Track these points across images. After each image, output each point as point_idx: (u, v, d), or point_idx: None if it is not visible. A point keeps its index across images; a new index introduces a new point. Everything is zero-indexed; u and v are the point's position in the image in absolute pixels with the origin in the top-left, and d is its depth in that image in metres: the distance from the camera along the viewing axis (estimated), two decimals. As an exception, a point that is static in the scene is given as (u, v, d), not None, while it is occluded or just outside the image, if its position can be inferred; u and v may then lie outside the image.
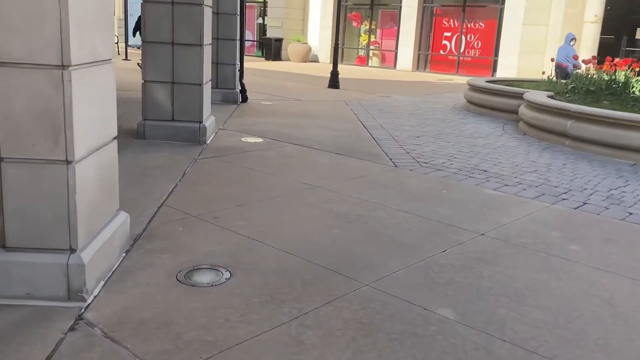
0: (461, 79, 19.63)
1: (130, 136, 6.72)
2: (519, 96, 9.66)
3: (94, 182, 2.97)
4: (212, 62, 10.48)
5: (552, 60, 12.47)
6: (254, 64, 21.21)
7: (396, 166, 6.04)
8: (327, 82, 15.13)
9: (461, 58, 21.15)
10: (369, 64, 23.77)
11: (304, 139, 7.29)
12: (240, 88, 10.85)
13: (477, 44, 20.76)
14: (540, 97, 8.52)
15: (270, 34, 25.13)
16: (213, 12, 10.26)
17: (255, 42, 27.02)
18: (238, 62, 10.77)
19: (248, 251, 3.53)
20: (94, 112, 2.93)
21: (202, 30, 6.40)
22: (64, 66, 2.59)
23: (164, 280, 3.10)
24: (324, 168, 5.78)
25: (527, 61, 19.07)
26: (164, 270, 3.21)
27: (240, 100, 10.80)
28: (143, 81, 6.55)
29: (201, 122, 6.64)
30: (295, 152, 6.48)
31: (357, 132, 8.16)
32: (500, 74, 19.58)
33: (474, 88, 11.07)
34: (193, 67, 6.49)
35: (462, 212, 4.54)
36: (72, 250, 2.78)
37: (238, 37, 10.63)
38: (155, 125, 6.58)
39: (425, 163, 6.24)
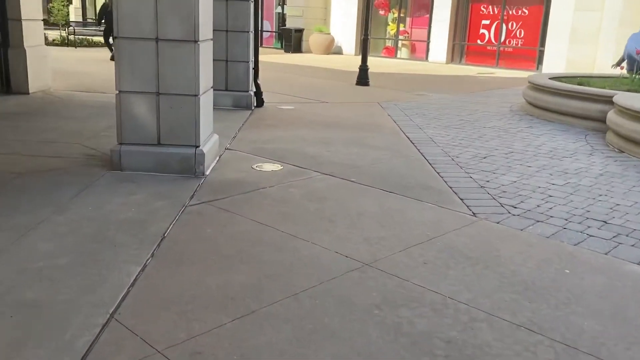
0: (503, 72, 17.61)
1: (103, 166, 4.96)
2: (603, 99, 7.70)
3: None
4: (221, 60, 8.71)
5: (639, 53, 10.39)
6: (273, 57, 19.41)
7: (475, 215, 4.17)
8: (354, 78, 13.27)
9: (502, 48, 19.03)
10: (398, 56, 21.77)
11: (336, 163, 5.47)
12: (254, 90, 9.05)
13: (520, 32, 18.63)
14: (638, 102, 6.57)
15: (290, 24, 23.24)
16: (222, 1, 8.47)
17: (274, 33, 25.18)
18: (252, 59, 8.97)
19: None
20: None
21: (196, 20, 4.60)
22: None
23: None
24: (371, 221, 3.94)
25: (578, 52, 16.94)
26: None
27: (255, 104, 9.00)
28: (117, 92, 4.78)
29: (197, 146, 4.85)
30: (326, 190, 4.66)
31: (403, 150, 6.30)
32: (547, 66, 17.48)
33: (538, 88, 9.10)
34: (185, 71, 4.69)
35: (616, 326, 2.68)
36: None
37: (252, 29, 8.82)
38: (135, 151, 4.81)
39: (514, 207, 4.36)
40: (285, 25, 23.50)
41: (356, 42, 22.42)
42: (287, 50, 22.72)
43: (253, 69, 9.11)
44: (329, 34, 22.53)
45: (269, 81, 11.59)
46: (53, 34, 19.81)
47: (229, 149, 5.95)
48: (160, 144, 4.84)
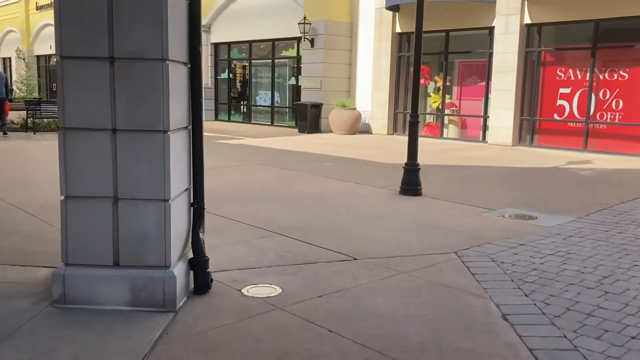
0: (602, 159, 12.41)
1: None
2: None
3: None
4: (102, 197, 3.72)
5: None
6: (282, 141, 14.69)
7: None
8: (394, 176, 8.48)
9: (591, 125, 13.95)
10: (444, 135, 16.85)
11: None
12: (194, 254, 4.04)
13: (617, 103, 13.57)
14: None
15: (306, 98, 18.68)
16: (103, 58, 3.61)
17: (288, 109, 20.66)
18: (188, 186, 4.03)
19: None
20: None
21: None
22: None
23: None
24: None
25: None
26: None
27: (193, 289, 3.97)
28: None
29: None
30: None
31: None
32: (667, 150, 12.26)
33: None
34: None
35: None
36: None
37: (186, 124, 3.93)
38: None
39: None
40: (299, 100, 18.96)
41: (389, 118, 17.67)
42: (301, 130, 18.06)
43: (192, 206, 4.14)
44: (355, 109, 17.82)
45: (257, 193, 6.62)
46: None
47: None
48: None
